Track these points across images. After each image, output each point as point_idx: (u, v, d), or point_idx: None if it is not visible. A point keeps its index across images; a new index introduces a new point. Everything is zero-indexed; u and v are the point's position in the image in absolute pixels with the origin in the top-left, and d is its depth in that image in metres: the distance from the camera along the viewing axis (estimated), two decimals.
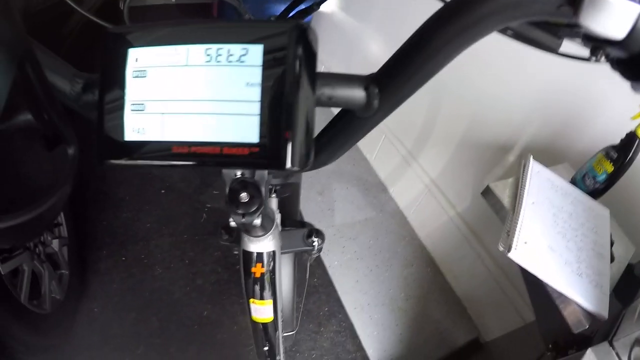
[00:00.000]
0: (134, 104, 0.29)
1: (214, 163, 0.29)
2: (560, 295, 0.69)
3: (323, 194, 1.90)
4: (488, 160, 1.43)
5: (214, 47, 0.28)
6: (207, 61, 0.28)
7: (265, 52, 0.27)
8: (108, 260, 1.53)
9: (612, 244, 0.81)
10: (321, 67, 2.19)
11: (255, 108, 0.27)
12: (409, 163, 1.84)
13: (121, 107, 0.29)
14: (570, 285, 0.69)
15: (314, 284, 1.57)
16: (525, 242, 0.72)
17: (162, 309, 1.44)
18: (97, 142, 0.31)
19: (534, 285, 0.73)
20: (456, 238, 1.60)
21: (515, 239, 0.72)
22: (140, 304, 1.44)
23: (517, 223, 0.75)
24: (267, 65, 0.27)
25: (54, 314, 1.18)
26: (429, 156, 1.74)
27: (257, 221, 0.43)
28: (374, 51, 1.96)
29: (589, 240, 0.78)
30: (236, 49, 0.27)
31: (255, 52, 0.27)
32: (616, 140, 0.82)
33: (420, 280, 1.66)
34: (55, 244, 1.28)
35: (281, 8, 1.97)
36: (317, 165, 0.41)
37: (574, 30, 0.33)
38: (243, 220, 0.40)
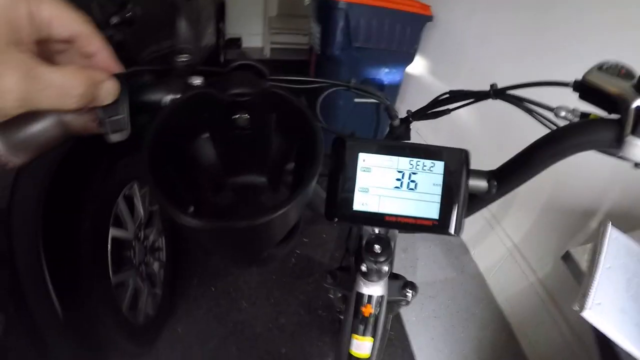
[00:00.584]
0: (361, 188, 0.45)
1: (409, 229, 0.45)
2: (629, 356, 0.71)
3: (407, 252, 1.97)
4: (571, 226, 1.42)
5: (415, 160, 0.44)
6: (410, 168, 0.44)
7: (445, 166, 0.44)
8: (198, 289, 1.66)
9: None
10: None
11: (437, 198, 0.44)
12: (493, 227, 1.86)
13: (352, 189, 0.45)
14: (638, 346, 0.71)
15: (391, 337, 1.58)
16: (599, 304, 0.75)
17: (243, 341, 1.51)
18: (329, 205, 0.46)
19: (605, 347, 0.75)
20: (534, 304, 1.57)
21: (589, 300, 0.76)
22: (223, 332, 1.53)
23: (591, 285, 0.78)
24: (446, 173, 0.44)
25: (144, 327, 1.31)
26: (513, 221, 1.75)
27: (386, 268, 0.53)
28: (460, 112, 2.06)
29: None
30: (428, 162, 0.44)
31: (439, 165, 0.44)
32: None
33: (494, 344, 1.62)
34: (155, 266, 1.44)
35: (371, 71, 2.16)
36: None
37: None
38: (375, 266, 0.51)
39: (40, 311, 0.86)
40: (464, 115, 1.98)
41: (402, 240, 1.96)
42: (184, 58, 0.41)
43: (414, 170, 0.45)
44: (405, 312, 1.66)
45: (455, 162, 0.44)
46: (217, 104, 0.39)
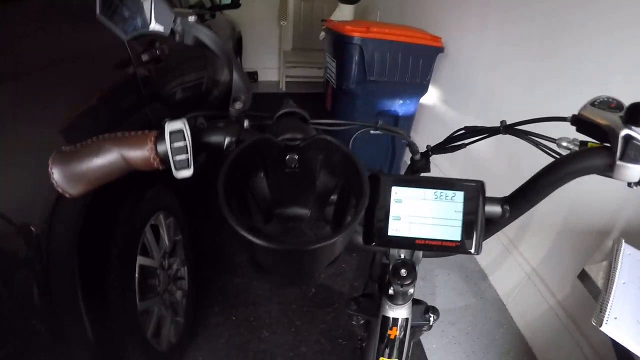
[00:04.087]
0: (394, 216, 0.51)
1: (436, 250, 0.51)
2: None
3: (425, 279, 1.98)
4: (588, 247, 1.43)
5: (439, 191, 0.51)
6: (435, 198, 0.51)
7: (465, 195, 0.50)
8: (219, 317, 1.68)
9: None
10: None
11: (459, 223, 0.50)
12: (510, 251, 1.85)
13: (387, 218, 0.51)
14: None
15: None
16: (615, 318, 0.78)
17: None
18: (367, 232, 0.52)
19: (624, 358, 0.77)
20: (555, 327, 1.56)
21: (606, 315, 0.78)
22: None
23: (608, 300, 0.82)
24: (465, 201, 0.50)
25: (167, 354, 1.33)
26: (530, 244, 1.75)
27: (411, 290, 0.57)
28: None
29: None
30: (450, 193, 0.51)
31: (459, 195, 0.51)
32: None
33: None
34: (178, 294, 1.47)
35: (386, 103, 2.22)
36: None
37: None
38: (401, 289, 0.55)
39: (73, 335, 0.89)
40: (477, 146, 2.01)
41: (420, 268, 1.93)
42: (238, 106, 0.48)
43: (438, 199, 0.51)
44: (426, 339, 1.65)
45: (473, 191, 0.51)
46: (272, 147, 0.45)
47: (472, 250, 0.50)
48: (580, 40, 1.48)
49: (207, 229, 2.11)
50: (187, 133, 0.40)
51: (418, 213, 0.51)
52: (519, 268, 1.79)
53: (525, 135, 0.60)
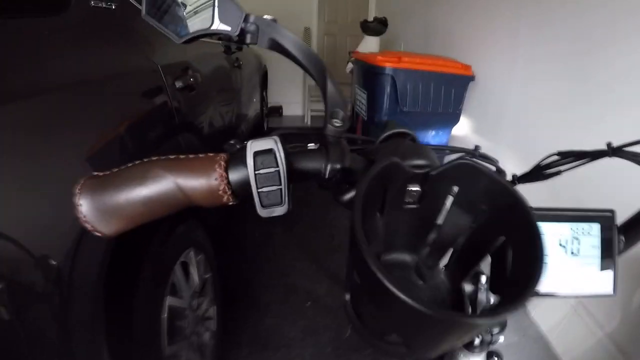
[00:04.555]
0: None
1: None
2: None
3: None
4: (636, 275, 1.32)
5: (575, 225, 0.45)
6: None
7: (600, 227, 0.45)
8: None
9: None
10: None
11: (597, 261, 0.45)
12: None
13: None
14: None
15: None
16: None
17: None
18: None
19: None
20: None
21: None
22: None
23: None
24: (602, 234, 0.45)
25: None
26: None
27: (502, 338, 0.47)
28: (508, 169, 2.01)
29: None
30: (585, 226, 0.45)
31: (595, 228, 0.45)
32: None
33: None
34: (206, 336, 1.37)
35: (418, 134, 2.17)
36: None
37: None
38: (490, 339, 0.46)
39: None
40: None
41: None
42: (337, 124, 0.37)
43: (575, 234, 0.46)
44: None
45: (609, 221, 0.45)
46: (397, 176, 0.35)
47: (612, 291, 0.45)
48: (619, 55, 1.41)
49: (234, 265, 2.03)
50: (281, 155, 0.30)
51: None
52: (562, 301, 1.67)
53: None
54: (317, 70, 0.37)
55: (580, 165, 0.55)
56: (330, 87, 0.36)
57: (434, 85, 2.22)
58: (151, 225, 1.04)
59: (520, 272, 0.31)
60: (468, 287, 0.41)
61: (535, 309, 1.85)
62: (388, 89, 2.17)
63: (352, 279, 0.35)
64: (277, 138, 0.31)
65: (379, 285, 0.23)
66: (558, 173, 0.58)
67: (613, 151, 0.51)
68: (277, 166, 0.30)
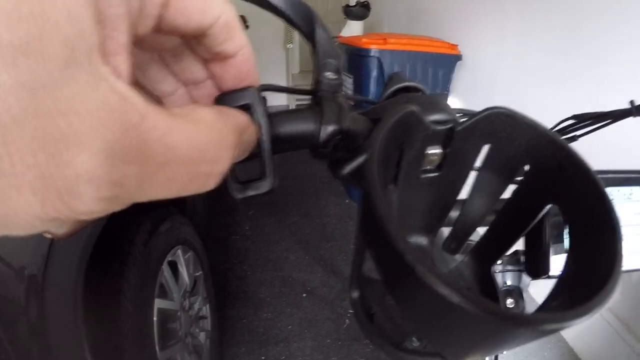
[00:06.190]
0: None
1: None
2: None
3: None
4: None
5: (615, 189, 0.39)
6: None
7: None
8: (246, 358, 1.52)
9: None
10: None
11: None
12: None
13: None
14: None
15: None
16: None
17: None
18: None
19: None
20: (607, 334, 1.45)
21: None
22: None
23: None
24: None
25: None
26: None
27: None
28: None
29: None
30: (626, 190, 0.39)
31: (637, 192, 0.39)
32: None
33: None
34: (201, 336, 1.32)
35: None
36: None
37: None
38: None
39: None
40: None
41: None
42: (331, 76, 0.28)
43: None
44: None
45: None
46: (415, 135, 0.27)
47: None
48: (611, 23, 1.36)
49: (227, 261, 1.97)
50: (261, 111, 0.22)
51: None
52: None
53: None
54: (302, 17, 0.27)
55: (600, 128, 0.49)
56: (320, 34, 0.27)
57: (421, 66, 2.16)
58: (132, 226, 0.98)
59: (583, 253, 0.23)
60: (502, 275, 0.35)
61: (534, 287, 1.80)
62: (375, 72, 2.10)
63: (362, 272, 0.28)
64: (254, 89, 0.22)
65: (409, 276, 0.16)
66: (574, 139, 0.52)
67: (637, 110, 0.45)
68: (258, 130, 0.22)
